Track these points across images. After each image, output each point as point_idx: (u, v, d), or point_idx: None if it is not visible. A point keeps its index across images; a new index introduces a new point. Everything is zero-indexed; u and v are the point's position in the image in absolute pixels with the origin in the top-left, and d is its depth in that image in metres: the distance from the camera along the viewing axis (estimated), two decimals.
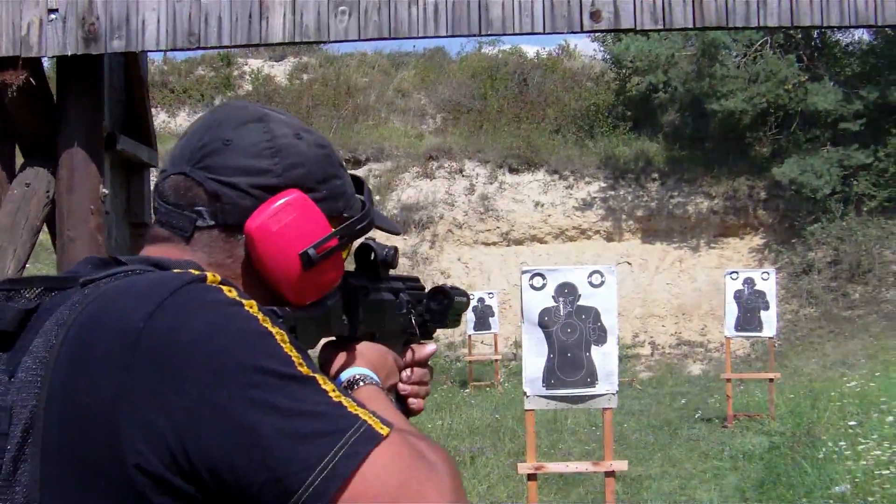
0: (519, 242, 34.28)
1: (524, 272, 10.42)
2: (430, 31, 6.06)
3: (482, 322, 25.09)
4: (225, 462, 1.54)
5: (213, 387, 1.55)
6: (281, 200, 1.92)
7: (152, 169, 7.74)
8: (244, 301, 1.68)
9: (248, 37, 6.11)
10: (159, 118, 42.28)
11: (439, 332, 31.87)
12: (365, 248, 2.34)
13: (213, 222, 1.92)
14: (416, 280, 2.65)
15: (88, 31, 6.11)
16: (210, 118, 2.02)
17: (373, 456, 1.57)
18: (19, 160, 6.88)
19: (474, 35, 6.04)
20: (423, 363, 2.48)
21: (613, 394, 9.99)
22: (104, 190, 6.36)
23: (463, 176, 35.19)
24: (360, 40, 6.26)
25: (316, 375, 1.64)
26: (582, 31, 6.01)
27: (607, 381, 10.00)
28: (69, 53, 6.14)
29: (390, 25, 6.07)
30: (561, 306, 10.19)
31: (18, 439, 1.63)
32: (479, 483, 13.62)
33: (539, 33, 6.08)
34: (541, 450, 15.29)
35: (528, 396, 10.13)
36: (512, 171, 35.05)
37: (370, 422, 1.61)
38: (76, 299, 1.71)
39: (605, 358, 10.04)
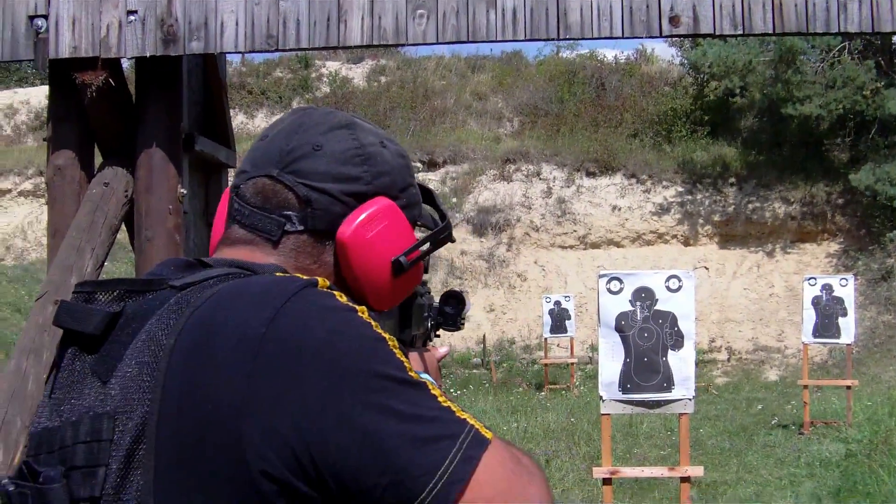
0: (596, 246, 34.15)
1: (601, 276, 10.38)
2: (507, 35, 6.03)
3: (558, 325, 25.03)
4: (349, 466, 1.55)
5: (337, 392, 1.56)
6: (373, 208, 1.93)
7: (230, 169, 7.78)
8: (357, 307, 1.69)
9: (325, 39, 6.11)
10: (237, 119, 42.60)
11: (511, 335, 31.85)
12: None
13: (302, 227, 1.91)
14: (424, 283, 2.63)
15: (167, 33, 6.14)
16: (295, 121, 2.00)
17: (484, 460, 1.59)
18: (98, 160, 6.92)
19: (552, 39, 5.99)
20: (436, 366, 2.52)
21: (690, 399, 9.92)
22: (182, 190, 6.39)
23: (540, 179, 35.11)
24: (437, 44, 6.25)
25: (427, 381, 1.66)
26: (661, 36, 5.97)
27: (683, 387, 9.93)
28: (148, 55, 6.17)
29: (468, 29, 6.05)
30: (638, 311, 10.14)
31: (128, 446, 1.63)
32: (553, 486, 13.54)
33: (617, 37, 6.05)
34: (616, 454, 15.25)
35: (603, 401, 10.09)
36: (589, 174, 34.93)
37: (477, 426, 1.63)
38: (177, 303, 1.71)
39: (681, 363, 9.97)
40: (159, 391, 1.62)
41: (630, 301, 10.17)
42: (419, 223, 2.09)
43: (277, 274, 1.77)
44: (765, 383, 27.46)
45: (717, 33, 5.96)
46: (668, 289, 10.15)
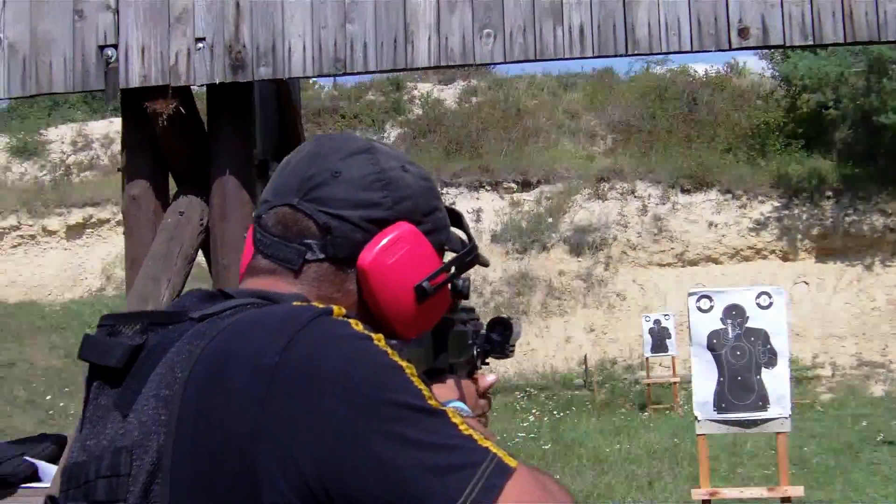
0: (694, 263, 33.88)
1: (691, 294, 10.28)
2: (575, 53, 5.96)
3: (659, 344, 24.86)
4: (364, 497, 1.52)
5: (352, 421, 1.54)
6: (393, 233, 1.90)
7: None
8: (373, 335, 1.66)
9: (393, 61, 6.08)
10: None
11: (612, 355, 31.66)
12: None
13: (322, 255, 1.89)
14: (473, 311, 2.63)
15: (235, 59, 6.13)
16: (315, 149, 1.98)
17: (507, 488, 1.55)
18: (173, 189, 6.92)
19: (620, 55, 5.91)
20: (483, 394, 2.50)
21: (786, 417, 9.77)
22: None
23: (635, 197, 34.92)
24: (505, 63, 6.20)
25: (446, 409, 1.62)
26: (730, 49, 5.87)
27: (779, 405, 9.80)
28: (217, 81, 6.17)
29: (535, 47, 5.99)
30: (729, 328, 10.04)
31: (144, 480, 1.62)
32: None
33: (686, 51, 5.97)
34: (719, 474, 15.09)
35: (699, 421, 10.00)
36: (684, 191, 34.67)
37: (500, 454, 1.58)
38: (194, 334, 1.70)
39: (775, 381, 9.84)
40: (174, 423, 1.61)
41: (721, 319, 10.08)
42: (447, 247, 2.06)
43: (295, 303, 1.74)
44: (870, 399, 27.06)
45: (787, 44, 5.84)
46: (759, 306, 10.02)
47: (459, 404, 2.16)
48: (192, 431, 1.59)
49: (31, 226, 38.67)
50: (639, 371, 29.38)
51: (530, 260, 34.64)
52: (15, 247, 38.88)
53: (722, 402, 9.88)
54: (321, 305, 1.71)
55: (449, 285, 2.22)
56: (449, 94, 43.72)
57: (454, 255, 2.12)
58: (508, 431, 20.38)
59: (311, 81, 46.96)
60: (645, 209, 34.68)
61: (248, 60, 6.18)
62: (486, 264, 2.36)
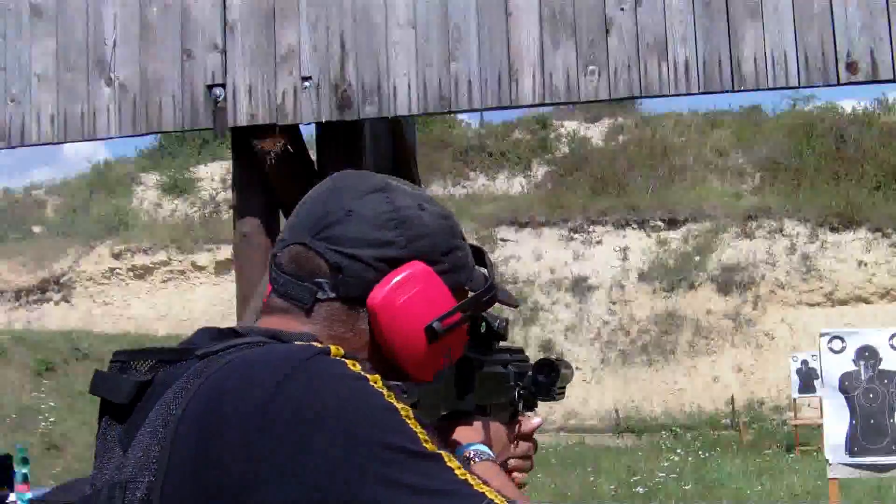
0: (843, 303, 33.37)
1: (822, 335, 10.08)
2: (681, 89, 5.88)
3: (807, 385, 24.40)
4: None
5: (344, 463, 1.50)
6: (404, 273, 1.85)
7: None
8: (369, 376, 1.62)
9: (498, 99, 6.06)
10: (478, 182, 42.99)
11: (760, 396, 31.20)
12: (477, 319, 2.25)
13: (334, 294, 1.85)
14: (521, 351, 2.56)
15: (342, 98, 6.17)
16: (330, 187, 1.95)
17: None
18: (283, 225, 6.96)
19: (726, 91, 5.82)
20: (528, 437, 2.43)
21: None
22: None
23: (783, 235, 34.50)
24: (610, 101, 6.14)
25: (442, 452, 1.58)
26: (838, 84, 5.73)
27: None
28: (323, 120, 6.21)
29: (640, 84, 5.93)
30: (861, 370, 9.82)
31: None
32: None
33: (794, 87, 5.86)
34: None
35: (830, 464, 9.75)
36: (833, 229, 34.18)
37: (496, 500, 1.54)
38: (193, 372, 1.68)
39: None
40: (165, 461, 1.59)
41: (853, 360, 9.87)
42: (467, 287, 1.99)
43: (298, 343, 1.71)
44: None
45: None
46: (893, 347, 9.78)
47: (481, 447, 2.09)
48: (183, 470, 1.58)
49: (180, 261, 39.61)
50: (786, 412, 28.93)
51: (677, 299, 34.41)
52: (165, 281, 39.86)
53: (854, 445, 9.67)
54: (320, 345, 1.69)
55: (470, 325, 2.14)
56: (595, 132, 43.71)
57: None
58: (651, 471, 20.19)
59: (457, 120, 47.35)
60: (793, 247, 34.27)
61: (355, 99, 6.20)
62: (515, 305, 2.28)
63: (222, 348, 1.72)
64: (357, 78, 6.20)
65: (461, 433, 2.13)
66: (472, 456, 2.04)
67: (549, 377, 2.52)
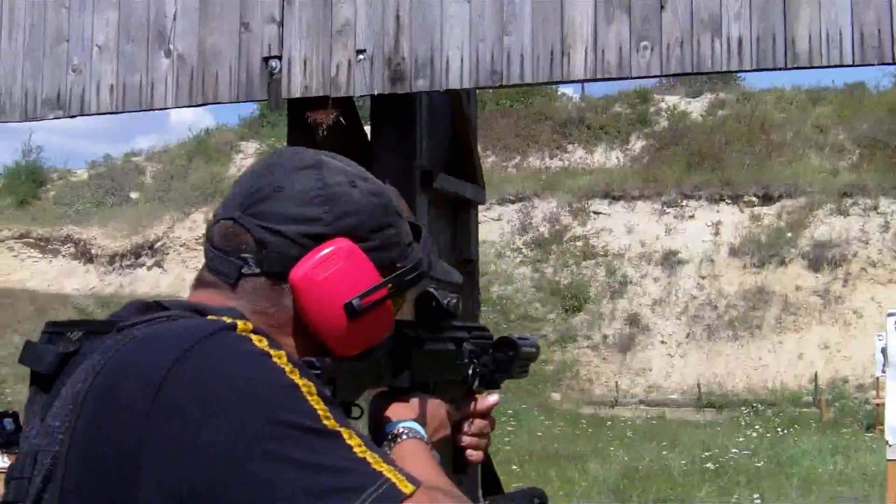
0: None
1: (889, 315, 10.00)
2: (733, 65, 5.87)
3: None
4: None
5: (233, 439, 1.53)
6: (327, 249, 1.87)
7: (480, 206, 7.89)
8: (273, 352, 1.65)
9: (549, 74, 6.08)
10: (576, 154, 42.76)
11: (844, 374, 30.89)
12: (426, 297, 2.26)
13: (258, 270, 1.87)
14: (484, 329, 2.58)
15: (394, 71, 6.24)
16: (265, 163, 1.99)
17: None
18: None
19: (779, 69, 5.81)
20: (484, 414, 2.43)
21: None
22: None
23: (878, 213, 34.02)
24: (661, 76, 6.16)
25: (341, 429, 1.61)
26: (893, 62, 5.71)
27: None
28: (375, 93, 6.29)
29: (692, 60, 5.93)
30: None
31: (38, 486, 1.64)
32: None
33: (848, 65, 5.81)
34: None
35: (890, 446, 9.67)
36: None
37: (394, 479, 1.58)
38: (108, 345, 1.71)
39: None
40: (70, 432, 1.63)
41: None
42: (400, 265, 1.99)
43: (222, 318, 1.74)
44: None
45: None
46: None
47: (412, 424, 2.08)
48: (84, 442, 1.61)
49: None
50: (870, 391, 28.59)
51: (767, 274, 34.08)
52: None
53: None
54: (240, 321, 1.72)
55: (421, 303, 2.25)
56: (696, 107, 43.27)
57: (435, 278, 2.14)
58: (725, 447, 20.14)
59: (558, 92, 47.13)
60: (887, 225, 33.76)
61: (407, 72, 6.27)
62: (457, 282, 2.33)
63: (139, 321, 1.75)
64: (410, 52, 6.27)
65: (394, 410, 2.12)
66: (400, 432, 2.04)
67: (507, 355, 2.54)
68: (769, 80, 47.82)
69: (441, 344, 2.33)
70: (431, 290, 2.25)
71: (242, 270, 1.88)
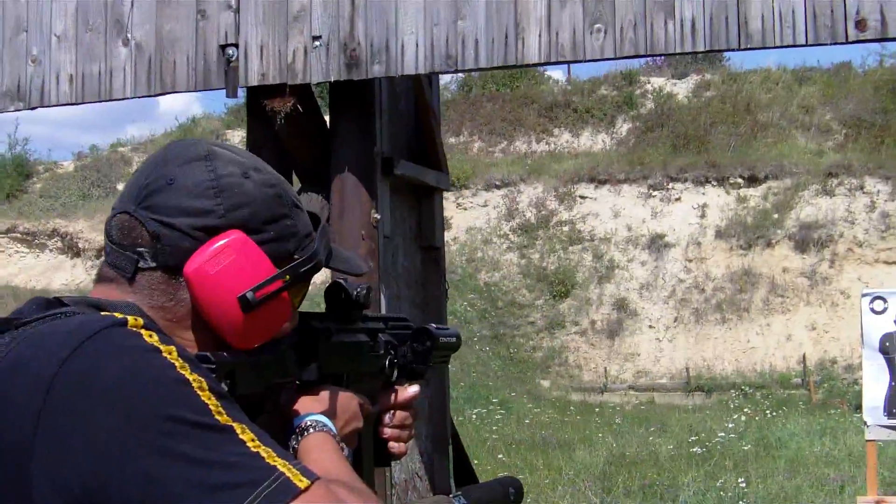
0: None
1: (864, 295, 9.99)
2: (686, 47, 5.84)
3: None
4: None
5: (122, 435, 1.52)
6: (219, 242, 1.87)
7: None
8: (163, 347, 1.65)
9: (504, 58, 6.06)
10: (562, 138, 42.78)
11: (833, 354, 30.90)
12: (335, 288, 2.26)
13: (154, 264, 1.88)
14: (404, 320, 2.57)
15: (350, 57, 6.20)
16: (158, 156, 1.98)
17: None
18: (297, 186, 7.02)
19: (733, 49, 5.77)
20: (406, 406, 2.44)
21: None
22: (376, 215, 6.41)
23: (864, 193, 34.03)
24: (615, 59, 6.11)
25: (234, 424, 1.61)
26: (846, 42, 5.64)
27: None
28: (332, 79, 6.24)
29: (646, 42, 5.90)
30: None
31: None
32: None
33: (801, 45, 5.77)
34: None
35: (867, 426, 9.68)
36: None
37: (288, 474, 1.57)
38: (4, 343, 1.71)
39: None
40: None
41: (895, 321, 9.72)
42: (297, 256, 1.99)
43: (114, 315, 1.73)
44: None
45: None
46: None
47: (320, 418, 2.07)
48: None
49: None
50: (858, 371, 28.61)
51: (754, 256, 34.10)
52: None
53: (893, 406, 9.58)
54: (130, 317, 1.70)
55: (331, 294, 2.24)
56: (682, 88, 43.31)
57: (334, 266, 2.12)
58: (712, 430, 20.12)
59: (545, 76, 47.13)
60: (873, 205, 33.79)
61: (363, 58, 6.22)
62: (358, 273, 2.28)
63: (35, 318, 1.75)
64: (366, 37, 6.21)
65: (302, 403, 2.12)
66: (308, 426, 2.03)
67: (424, 346, 2.55)
68: (755, 60, 48.03)
69: (351, 335, 2.32)
70: (340, 280, 2.25)
71: (139, 265, 1.88)
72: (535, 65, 6.18)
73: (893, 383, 9.58)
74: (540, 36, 5.99)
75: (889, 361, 9.66)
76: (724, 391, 29.30)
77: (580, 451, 18.01)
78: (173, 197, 1.87)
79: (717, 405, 26.61)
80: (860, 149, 36.09)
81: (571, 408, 25.83)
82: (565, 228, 37.31)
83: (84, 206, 44.99)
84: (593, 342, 34.15)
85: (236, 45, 6.44)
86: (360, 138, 6.63)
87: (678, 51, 5.90)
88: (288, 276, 1.95)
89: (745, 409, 24.36)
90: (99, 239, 42.95)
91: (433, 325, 2.62)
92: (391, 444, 2.39)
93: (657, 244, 35.56)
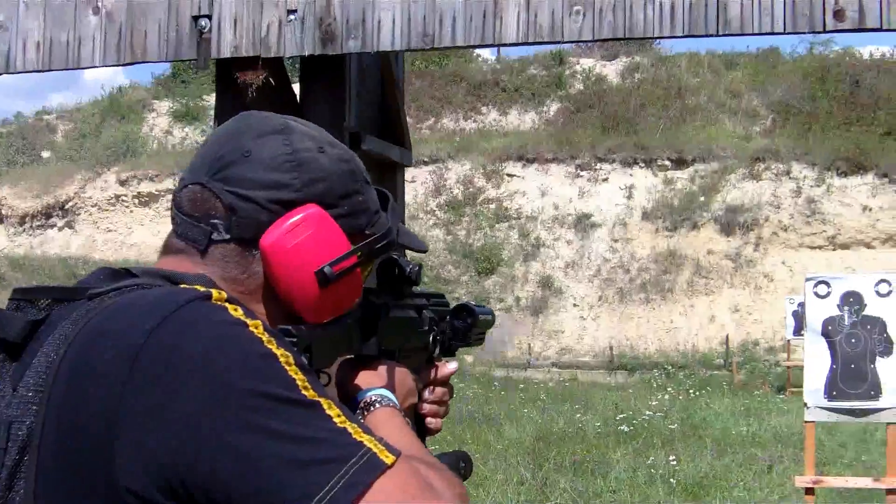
0: (845, 247, 33.37)
1: (808, 279, 10.09)
2: (665, 32, 5.87)
3: (802, 327, 24.38)
4: (220, 487, 1.49)
5: (211, 409, 1.50)
6: (297, 216, 1.84)
7: (407, 168, 7.81)
8: (249, 321, 1.62)
9: (481, 37, 6.03)
10: (490, 116, 42.84)
11: (755, 337, 31.27)
12: (389, 264, 2.23)
13: (228, 236, 1.85)
14: (442, 297, 2.56)
15: (325, 32, 6.15)
16: (232, 128, 1.95)
17: (376, 486, 1.52)
18: None
19: (711, 35, 5.81)
20: (444, 382, 2.43)
21: None
22: None
23: (790, 178, 34.43)
24: (594, 41, 6.13)
25: (321, 399, 1.58)
26: (825, 31, 5.72)
27: (893, 395, 9.55)
28: (306, 54, 6.20)
29: (625, 25, 5.91)
30: (846, 315, 9.83)
31: (15, 456, 1.61)
32: (770, 493, 13.24)
33: (779, 33, 5.82)
34: (843, 463, 14.84)
35: (808, 408, 9.81)
36: (840, 174, 34.06)
37: (375, 449, 1.55)
38: (80, 313, 1.69)
39: (890, 371, 9.61)
40: (45, 402, 1.60)
41: (838, 305, 9.87)
42: (368, 232, 1.97)
43: (196, 287, 1.71)
44: None
45: (885, 27, 5.68)
46: (878, 293, 9.81)
47: (384, 392, 2.06)
48: (59, 411, 1.58)
49: None
50: (780, 353, 29.02)
51: (679, 238, 34.41)
52: (170, 209, 39.87)
53: (833, 389, 9.71)
54: (203, 289, 1.69)
55: (383, 270, 2.21)
56: (611, 70, 43.52)
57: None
58: (638, 409, 20.30)
59: (474, 54, 47.13)
60: (799, 191, 34.20)
61: (338, 33, 6.18)
62: (423, 250, 2.30)
63: (110, 289, 1.72)
64: (342, 12, 6.17)
65: (364, 377, 2.10)
66: (373, 400, 2.02)
67: (465, 322, 2.55)
68: (684, 43, 48.18)
69: (405, 311, 2.31)
70: (395, 256, 2.22)
71: (212, 236, 1.85)
72: (512, 44, 6.17)
73: (834, 366, 9.68)
74: (518, 15, 5.99)
75: (831, 345, 9.77)
76: (647, 370, 29.57)
77: (507, 426, 18.08)
78: (250, 169, 1.84)
79: (640, 384, 26.83)
80: (787, 135, 36.49)
81: (496, 383, 25.86)
82: (492, 206, 37.43)
83: (8, 173, 44.49)
84: (518, 319, 34.29)
85: (209, 17, 6.37)
86: (330, 113, 6.61)
87: (656, 35, 5.93)
88: (362, 252, 1.94)
89: (668, 389, 24.59)
90: (22, 206, 42.53)
91: (471, 302, 2.63)
92: (428, 419, 2.36)
93: (584, 224, 35.78)
